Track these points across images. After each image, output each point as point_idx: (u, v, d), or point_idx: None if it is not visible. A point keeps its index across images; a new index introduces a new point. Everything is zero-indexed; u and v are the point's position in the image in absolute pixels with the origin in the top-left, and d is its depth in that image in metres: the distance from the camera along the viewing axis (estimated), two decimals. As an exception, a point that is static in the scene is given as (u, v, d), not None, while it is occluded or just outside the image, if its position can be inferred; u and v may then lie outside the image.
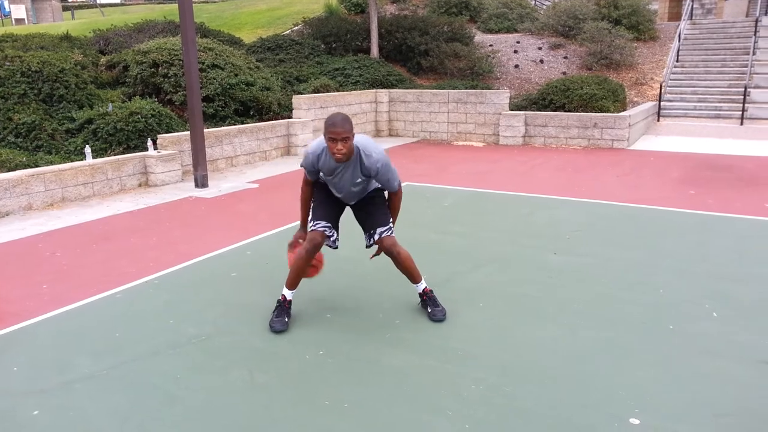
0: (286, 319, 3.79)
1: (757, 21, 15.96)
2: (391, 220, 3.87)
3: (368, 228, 3.86)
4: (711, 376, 3.16)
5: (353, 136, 3.50)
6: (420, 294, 3.99)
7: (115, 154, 8.79)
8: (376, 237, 3.79)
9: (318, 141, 3.67)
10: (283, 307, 3.84)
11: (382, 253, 3.91)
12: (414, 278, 3.93)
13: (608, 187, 7.79)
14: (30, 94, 9.21)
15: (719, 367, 3.25)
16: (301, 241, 3.89)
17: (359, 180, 3.66)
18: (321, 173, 3.74)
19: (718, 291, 4.29)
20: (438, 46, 16.19)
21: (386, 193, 3.92)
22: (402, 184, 3.86)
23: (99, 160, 7.86)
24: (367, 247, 3.92)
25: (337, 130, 3.37)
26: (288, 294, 3.85)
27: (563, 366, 3.28)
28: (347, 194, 3.80)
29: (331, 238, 3.82)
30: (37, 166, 7.78)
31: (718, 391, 3.02)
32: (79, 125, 9.17)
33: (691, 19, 17.32)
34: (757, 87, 14.09)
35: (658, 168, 9.08)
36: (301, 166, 3.79)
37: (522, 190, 7.73)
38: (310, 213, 3.87)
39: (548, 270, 4.77)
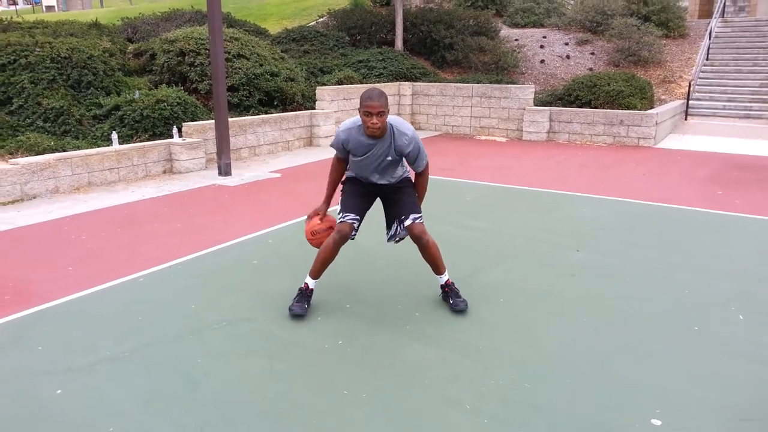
0: (306, 306, 3.83)
1: (791, 19, 15.57)
2: (421, 208, 3.89)
3: (398, 215, 3.85)
4: (735, 378, 3.11)
5: (388, 112, 3.52)
6: (442, 285, 3.99)
7: (140, 141, 8.89)
8: (408, 222, 3.78)
9: (351, 120, 3.70)
10: (305, 294, 3.87)
11: (402, 243, 3.91)
12: (438, 269, 3.93)
13: (633, 185, 7.68)
14: (59, 80, 9.34)
15: (744, 369, 3.19)
16: (318, 219, 3.89)
17: (390, 158, 3.68)
18: (351, 154, 3.73)
19: (744, 292, 4.21)
20: (463, 40, 16.08)
21: (412, 175, 3.94)
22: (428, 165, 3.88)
23: (125, 146, 7.95)
24: (394, 237, 3.90)
25: (374, 103, 3.42)
26: (311, 283, 3.87)
27: (584, 364, 3.25)
28: (376, 174, 3.80)
29: (355, 231, 3.85)
30: (64, 151, 7.90)
31: (742, 394, 2.96)
32: (106, 111, 9.28)
33: (722, 16, 16.97)
34: (789, 87, 13.76)
35: (685, 167, 8.93)
36: (331, 146, 3.81)
37: (545, 186, 7.65)
38: (340, 204, 3.87)
39: (570, 267, 4.72)
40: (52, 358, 3.27)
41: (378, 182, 3.88)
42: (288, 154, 10.24)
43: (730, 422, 2.73)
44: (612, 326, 3.71)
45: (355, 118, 3.69)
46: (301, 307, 3.79)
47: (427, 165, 3.83)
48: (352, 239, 3.90)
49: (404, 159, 3.79)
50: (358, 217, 3.80)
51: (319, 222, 3.90)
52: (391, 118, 3.68)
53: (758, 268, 4.70)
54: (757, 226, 5.87)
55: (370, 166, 3.75)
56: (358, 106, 3.53)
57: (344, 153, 3.79)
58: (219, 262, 4.79)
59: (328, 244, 3.75)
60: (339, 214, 3.83)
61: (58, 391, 2.95)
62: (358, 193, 3.88)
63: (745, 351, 3.40)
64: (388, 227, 3.96)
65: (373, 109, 3.43)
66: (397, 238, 3.91)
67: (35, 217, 6.10)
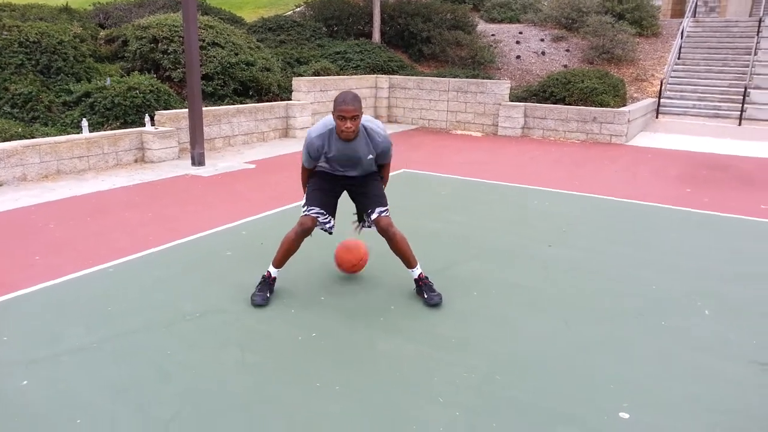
0: (268, 295, 3.86)
1: (760, 21, 15.91)
2: (387, 201, 3.95)
3: (366, 209, 3.91)
4: (701, 373, 3.18)
5: (361, 115, 3.56)
6: (415, 279, 4.02)
7: (111, 129, 8.72)
8: (374, 216, 3.84)
9: (321, 124, 3.69)
10: (267, 282, 3.89)
11: (376, 237, 3.96)
12: (409, 263, 3.96)
13: (605, 182, 7.79)
14: (27, 65, 9.11)
15: (709, 364, 3.27)
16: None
17: (370, 156, 3.72)
18: (324, 155, 3.74)
19: (711, 289, 4.31)
20: (440, 34, 16.09)
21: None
22: (394, 165, 4.00)
23: (96, 134, 7.79)
24: (360, 225, 4.02)
25: (348, 107, 3.43)
26: (273, 271, 3.91)
27: (555, 357, 3.29)
28: (348, 169, 3.85)
29: (327, 225, 3.90)
30: (32, 138, 7.71)
31: (707, 388, 3.03)
32: (77, 98, 9.08)
33: (694, 16, 17.26)
34: (757, 88, 14.08)
35: (656, 165, 9.09)
36: (304, 156, 3.80)
37: (519, 181, 7.72)
38: (305, 198, 3.90)
39: (543, 262, 4.78)
40: (18, 349, 3.20)
41: (350, 174, 3.90)
42: (263, 145, 10.15)
43: (696, 414, 2.80)
44: (582, 320, 3.76)
45: (325, 121, 3.68)
46: (262, 297, 3.82)
47: (391, 154, 3.92)
48: (330, 234, 3.97)
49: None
50: (323, 211, 3.84)
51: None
52: (363, 118, 3.72)
53: (725, 265, 4.81)
54: (725, 223, 6.00)
55: (347, 164, 3.79)
56: (332, 110, 3.53)
57: (315, 162, 3.83)
58: (192, 253, 4.73)
59: (290, 236, 3.81)
60: (303, 207, 3.87)
61: (24, 382, 2.89)
62: (324, 188, 3.90)
63: (711, 346, 3.48)
64: (359, 219, 4.05)
65: (347, 113, 3.44)
66: (363, 227, 4.05)
67: (1, 205, 5.95)
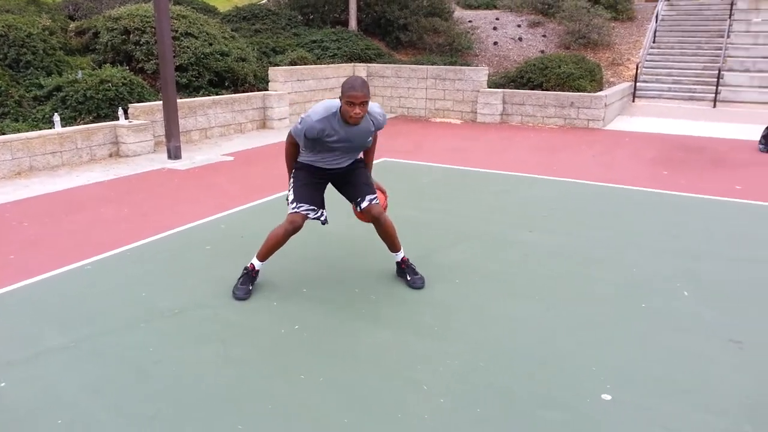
0: (250, 287, 3.83)
1: (732, 4, 16.09)
2: (375, 188, 3.93)
3: (355, 197, 3.87)
4: (680, 353, 3.22)
5: (369, 99, 3.53)
6: (398, 262, 4.04)
7: (84, 123, 8.55)
8: (365, 204, 3.81)
9: (321, 107, 3.56)
10: (250, 275, 3.86)
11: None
12: (395, 246, 3.98)
13: (583, 167, 7.84)
14: (-5, 59, 8.88)
15: (688, 344, 3.32)
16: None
17: (362, 138, 3.69)
18: (325, 142, 3.65)
19: (689, 270, 4.37)
20: (417, 21, 16.03)
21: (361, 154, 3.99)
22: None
23: (68, 128, 7.64)
24: (359, 207, 3.90)
25: (358, 93, 3.41)
26: (257, 265, 3.87)
27: (537, 342, 3.31)
28: (342, 157, 3.79)
29: (321, 217, 3.84)
30: (3, 134, 7.54)
31: (687, 368, 3.08)
32: (48, 92, 8.88)
33: (668, 0, 17.39)
34: (730, 70, 14.26)
35: (633, 148, 9.17)
36: (296, 132, 3.64)
37: (499, 168, 7.74)
38: (293, 193, 3.80)
39: (523, 247, 4.80)
40: (-6, 351, 3.13)
41: (335, 167, 3.85)
42: (240, 136, 10.04)
43: (675, 395, 2.83)
44: (564, 305, 3.79)
45: (327, 104, 3.57)
46: (244, 291, 3.79)
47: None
48: (326, 224, 3.90)
49: None
50: (313, 207, 3.78)
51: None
52: None
53: (701, 246, 4.87)
54: (701, 205, 6.08)
55: (345, 151, 3.73)
56: (340, 95, 3.49)
57: (309, 144, 3.68)
58: (170, 248, 4.67)
59: (278, 233, 3.75)
60: (291, 203, 3.78)
61: (2, 384, 2.83)
62: (311, 182, 3.84)
63: (690, 326, 3.53)
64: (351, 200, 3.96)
65: (357, 99, 3.41)
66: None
67: (-27, 204, 5.82)
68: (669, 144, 9.53)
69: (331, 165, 3.84)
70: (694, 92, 14.01)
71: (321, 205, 3.86)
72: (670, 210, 5.88)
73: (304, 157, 3.86)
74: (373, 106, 3.72)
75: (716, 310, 3.72)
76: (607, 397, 2.81)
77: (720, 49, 14.77)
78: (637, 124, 11.54)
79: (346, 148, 3.73)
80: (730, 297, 3.92)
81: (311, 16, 16.60)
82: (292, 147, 3.83)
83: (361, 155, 3.99)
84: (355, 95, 3.40)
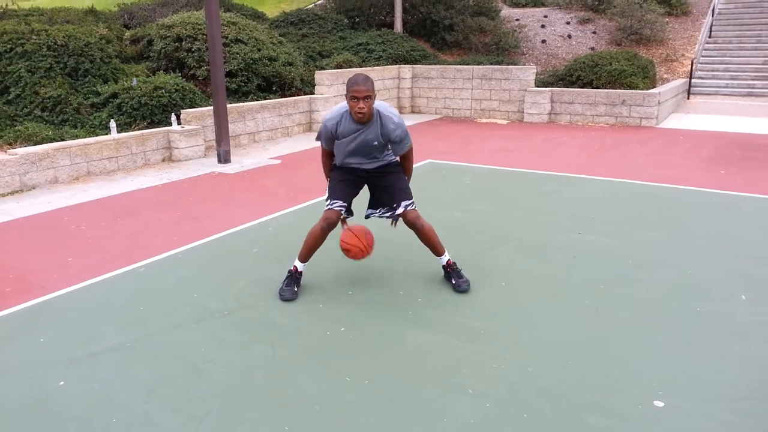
0: (296, 289, 3.89)
1: (795, -5, 15.38)
2: (411, 194, 3.91)
3: (390, 203, 3.89)
4: (737, 358, 3.10)
5: (375, 97, 3.54)
6: (444, 266, 4.02)
7: (139, 129, 8.84)
8: (400, 210, 3.82)
9: (336, 108, 3.71)
10: (294, 277, 3.91)
11: (399, 227, 3.94)
12: (437, 251, 3.96)
13: (636, 166, 7.63)
14: (56, 68, 9.28)
15: (746, 349, 3.18)
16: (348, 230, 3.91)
17: (376, 143, 3.70)
18: (338, 140, 3.73)
19: (747, 273, 4.20)
20: (463, 21, 15.93)
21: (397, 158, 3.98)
22: (414, 150, 3.92)
23: (124, 134, 7.91)
24: (375, 216, 4.01)
25: (360, 88, 3.44)
26: (299, 266, 3.92)
27: (586, 346, 3.24)
28: (363, 159, 3.82)
29: (345, 217, 3.93)
30: (62, 140, 7.87)
31: (744, 374, 2.95)
32: (104, 99, 9.23)
33: (725, -8, 16.76)
34: (793, 64, 13.64)
35: (688, 147, 8.87)
36: (318, 137, 3.83)
37: (546, 168, 7.61)
38: (328, 191, 3.90)
39: (572, 249, 4.70)
40: (54, 350, 3.27)
41: (365, 167, 3.88)
42: (288, 140, 10.19)
43: (732, 402, 2.72)
44: (614, 308, 3.69)
45: (341, 106, 3.69)
46: (290, 292, 3.85)
47: (410, 147, 3.86)
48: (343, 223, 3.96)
49: (389, 144, 3.79)
50: (345, 205, 3.85)
51: (347, 232, 3.91)
52: (378, 104, 3.68)
53: (761, 248, 4.67)
54: (760, 205, 5.83)
55: (358, 152, 3.77)
56: (345, 92, 3.54)
57: (331, 144, 3.80)
58: (220, 251, 4.78)
59: (315, 231, 3.80)
60: (326, 201, 3.87)
61: (61, 383, 2.95)
62: (346, 179, 3.90)
63: (748, 331, 3.39)
64: (371, 207, 4.02)
65: (359, 93, 3.45)
66: (377, 217, 4.02)
67: (35, 208, 6.09)
68: (726, 142, 9.18)
69: (357, 164, 3.88)
70: (753, 88, 13.46)
71: (350, 206, 3.93)
72: (728, 210, 5.66)
73: (336, 160, 3.95)
74: (391, 112, 3.69)
75: (777, 316, 3.56)
76: (659, 403, 2.73)
77: (781, 42, 14.14)
78: (692, 122, 11.16)
79: (360, 149, 3.72)
80: (793, 302, 3.74)
81: (357, 20, 16.71)
82: (323, 156, 3.96)
83: (398, 158, 3.98)
84: (357, 89, 3.44)
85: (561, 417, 2.64)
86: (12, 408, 2.75)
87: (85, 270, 4.41)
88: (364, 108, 3.47)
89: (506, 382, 2.92)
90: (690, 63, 14.14)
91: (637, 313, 3.64)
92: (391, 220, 4.01)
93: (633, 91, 11.26)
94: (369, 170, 3.90)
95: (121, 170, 7.78)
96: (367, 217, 4.07)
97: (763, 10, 15.69)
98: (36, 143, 7.69)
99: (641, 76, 12.36)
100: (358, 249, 3.84)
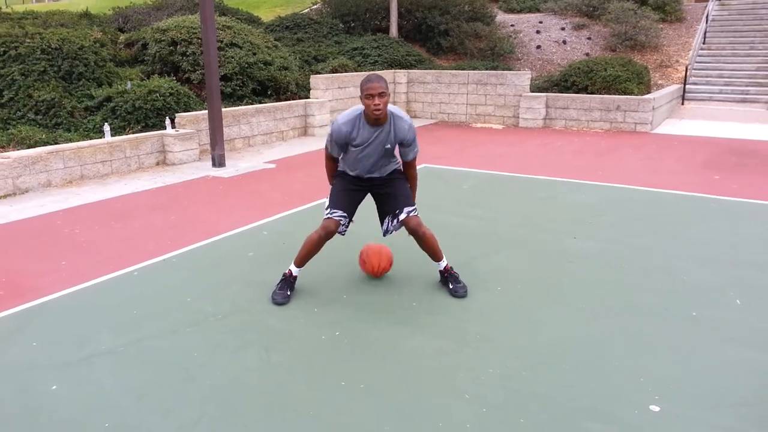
0: (288, 293, 3.86)
1: (787, 2, 15.49)
2: (414, 200, 3.89)
3: (392, 210, 3.85)
4: (733, 364, 3.09)
5: (389, 95, 3.53)
6: (441, 271, 4.00)
7: (133, 133, 8.81)
8: (402, 217, 3.80)
9: (348, 112, 3.66)
10: (288, 281, 3.89)
11: (397, 234, 3.92)
12: (436, 256, 3.95)
13: (630, 172, 7.65)
14: (50, 72, 9.24)
15: (742, 355, 3.18)
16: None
17: (389, 146, 3.69)
18: (350, 146, 3.70)
19: (742, 278, 4.20)
20: (458, 26, 15.98)
21: (400, 166, 3.97)
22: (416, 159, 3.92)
23: (117, 138, 7.88)
24: (389, 231, 3.92)
25: (374, 85, 3.45)
26: (294, 270, 3.90)
27: (582, 351, 3.23)
28: (372, 165, 3.78)
29: (343, 228, 3.86)
30: (56, 144, 7.83)
31: (740, 380, 2.95)
32: (98, 103, 9.20)
33: (719, -1, 16.88)
34: (785, 70, 13.72)
35: (682, 152, 8.90)
36: (328, 143, 3.77)
37: (542, 173, 7.62)
38: (328, 199, 3.87)
39: (568, 255, 4.70)
40: (47, 353, 3.24)
41: (370, 176, 3.85)
42: (282, 144, 10.18)
43: (728, 408, 2.72)
44: (610, 313, 3.69)
45: (353, 109, 3.66)
46: (283, 295, 3.82)
47: (416, 154, 3.86)
48: (342, 235, 3.92)
49: (398, 147, 3.78)
50: (345, 214, 3.81)
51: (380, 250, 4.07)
52: (390, 107, 3.68)
53: (756, 253, 4.68)
54: (754, 210, 5.85)
55: (370, 158, 3.73)
56: (360, 94, 3.54)
57: (340, 151, 3.76)
58: (214, 255, 4.75)
59: (313, 239, 3.79)
60: (326, 209, 3.83)
61: (54, 387, 2.92)
62: (348, 188, 3.87)
63: (743, 337, 3.39)
64: (382, 222, 3.96)
65: (374, 90, 3.45)
66: (393, 231, 3.92)
67: (28, 211, 6.05)
68: (720, 147, 9.22)
69: (365, 173, 3.84)
70: (747, 94, 13.54)
71: (351, 215, 3.87)
72: (722, 216, 5.68)
73: (341, 166, 3.91)
74: (400, 110, 3.71)
75: (773, 321, 3.56)
76: (655, 408, 2.72)
77: (774, 48, 14.23)
78: (686, 128, 11.20)
79: (372, 153, 3.70)
80: (788, 307, 3.75)
81: (352, 24, 16.74)
82: (328, 161, 3.93)
83: (400, 165, 3.97)
84: (372, 86, 3.44)
85: (557, 422, 2.63)
86: (4, 412, 2.72)
87: (78, 273, 4.37)
88: (380, 105, 3.46)
89: (502, 386, 2.91)
90: (684, 69, 14.22)
91: (633, 318, 3.63)
92: (389, 232, 3.94)
93: (628, 96, 11.31)
94: (374, 179, 3.88)
95: (114, 174, 7.74)
96: (385, 234, 3.97)
97: (756, 17, 15.80)
98: (29, 146, 7.66)
99: (636, 82, 12.42)
100: (371, 266, 4.07)
